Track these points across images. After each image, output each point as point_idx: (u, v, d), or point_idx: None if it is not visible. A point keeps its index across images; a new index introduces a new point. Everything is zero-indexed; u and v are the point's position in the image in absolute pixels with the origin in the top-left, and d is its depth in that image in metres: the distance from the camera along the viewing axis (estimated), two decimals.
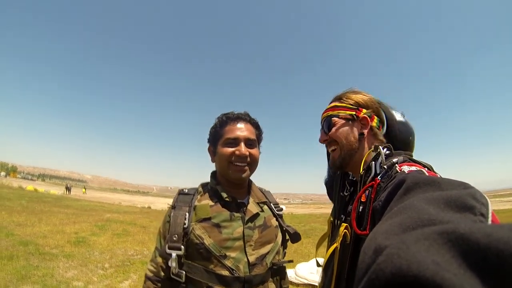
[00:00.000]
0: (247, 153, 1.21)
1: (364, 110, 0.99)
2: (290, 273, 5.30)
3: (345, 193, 1.06)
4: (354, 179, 1.06)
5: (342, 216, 1.01)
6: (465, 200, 0.36)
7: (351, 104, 1.01)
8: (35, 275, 4.60)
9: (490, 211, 0.35)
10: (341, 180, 1.10)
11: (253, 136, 1.26)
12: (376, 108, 1.02)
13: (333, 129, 1.01)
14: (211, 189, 1.28)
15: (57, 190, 39.48)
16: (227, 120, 1.25)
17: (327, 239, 1.12)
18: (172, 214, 1.19)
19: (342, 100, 1.03)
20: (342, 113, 1.01)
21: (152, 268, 1.22)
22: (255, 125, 1.31)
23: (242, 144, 1.21)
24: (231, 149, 1.20)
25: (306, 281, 5.04)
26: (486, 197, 0.37)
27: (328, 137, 1.03)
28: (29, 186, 35.49)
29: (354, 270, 0.74)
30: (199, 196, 1.26)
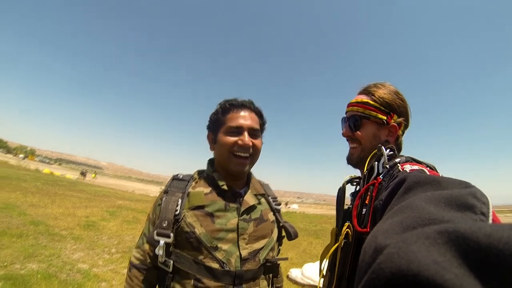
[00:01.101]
0: (250, 143, 1.13)
1: (395, 117, 0.96)
2: (297, 272, 5.20)
3: (349, 206, 1.05)
4: (357, 189, 1.06)
5: (347, 221, 0.97)
6: (466, 199, 0.35)
7: (384, 106, 0.96)
8: (42, 254, 4.64)
9: (491, 210, 0.35)
10: (344, 195, 1.09)
11: (256, 126, 1.19)
12: (406, 114, 0.99)
13: (361, 131, 0.99)
14: (207, 176, 1.21)
15: (72, 175, 40.40)
16: (230, 107, 1.17)
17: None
18: (164, 199, 1.11)
19: (374, 97, 0.98)
20: (373, 115, 0.96)
21: (138, 255, 1.15)
22: (259, 114, 1.23)
23: (246, 134, 1.13)
24: (233, 138, 1.12)
25: (312, 282, 4.91)
26: (487, 196, 0.37)
27: (352, 135, 1.01)
28: (45, 169, 36.46)
29: (355, 269, 0.72)
30: (193, 183, 1.18)
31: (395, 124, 0.95)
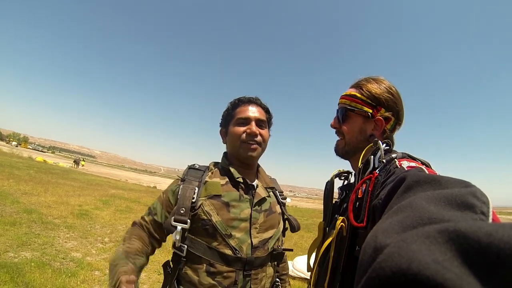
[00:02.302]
0: (258, 131, 1.26)
1: (383, 111, 0.95)
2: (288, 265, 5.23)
3: (336, 200, 1.07)
4: (346, 183, 1.08)
5: (336, 216, 0.98)
6: (466, 198, 0.35)
7: (371, 100, 0.95)
8: (35, 243, 4.67)
9: (491, 210, 0.35)
10: (332, 189, 1.11)
11: (263, 118, 1.31)
12: (396, 110, 0.97)
13: (345, 124, 1.00)
14: (222, 168, 1.31)
15: (65, 163, 40.04)
16: (239, 102, 1.31)
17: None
18: (181, 186, 1.20)
19: (362, 91, 0.97)
20: (359, 107, 0.97)
21: (141, 221, 1.25)
22: (266, 109, 1.36)
23: (253, 123, 1.26)
24: (242, 128, 1.25)
25: (303, 275, 5.01)
26: (487, 196, 0.37)
27: (339, 127, 1.03)
28: (38, 157, 35.85)
29: (349, 263, 0.78)
30: (210, 173, 1.28)
31: (381, 118, 0.94)
